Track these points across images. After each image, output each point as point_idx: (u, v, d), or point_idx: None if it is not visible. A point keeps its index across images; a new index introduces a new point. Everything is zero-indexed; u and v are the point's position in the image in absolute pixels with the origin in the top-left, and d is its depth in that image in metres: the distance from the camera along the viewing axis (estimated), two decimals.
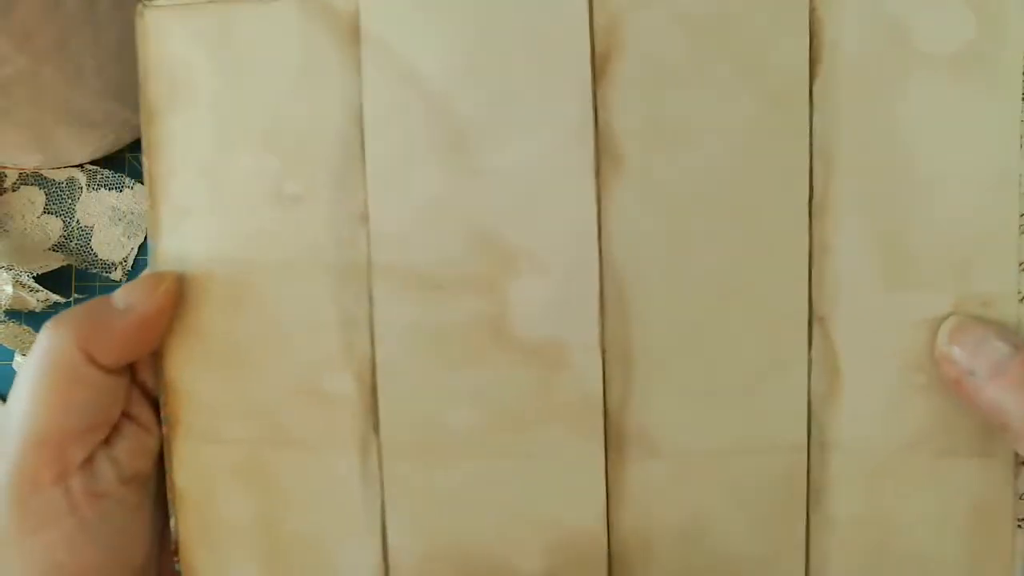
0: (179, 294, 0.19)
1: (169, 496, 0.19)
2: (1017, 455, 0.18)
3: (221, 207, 0.19)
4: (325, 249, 0.18)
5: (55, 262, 0.40)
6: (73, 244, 0.41)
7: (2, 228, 0.41)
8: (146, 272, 0.19)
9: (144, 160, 0.19)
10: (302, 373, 0.19)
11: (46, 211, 0.41)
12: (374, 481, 0.19)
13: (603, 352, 0.18)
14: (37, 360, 0.17)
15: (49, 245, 0.41)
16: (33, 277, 0.38)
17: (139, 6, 0.19)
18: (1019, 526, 0.18)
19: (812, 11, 0.17)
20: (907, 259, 0.18)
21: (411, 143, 0.18)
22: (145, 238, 0.41)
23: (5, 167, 0.41)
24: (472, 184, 0.18)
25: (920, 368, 0.18)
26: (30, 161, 0.39)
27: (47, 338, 0.17)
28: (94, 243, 0.41)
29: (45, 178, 0.41)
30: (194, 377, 0.19)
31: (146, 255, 0.41)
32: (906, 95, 0.18)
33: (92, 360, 0.17)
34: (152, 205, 0.19)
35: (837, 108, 0.18)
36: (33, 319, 0.41)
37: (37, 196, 0.41)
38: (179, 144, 0.19)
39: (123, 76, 0.35)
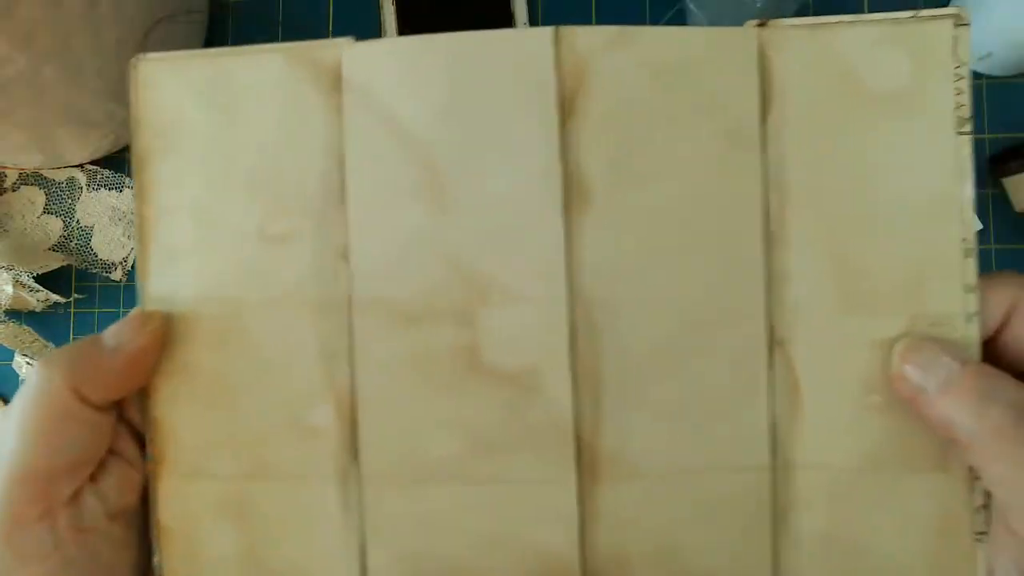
0: (166, 333, 0.19)
1: (153, 532, 0.20)
2: (971, 469, 0.18)
3: (208, 248, 0.19)
4: (308, 286, 0.19)
5: (55, 262, 0.40)
6: (73, 244, 0.41)
7: (2, 228, 0.41)
8: (135, 311, 0.19)
9: (135, 203, 0.20)
10: (285, 407, 0.19)
11: (46, 211, 0.41)
12: (354, 510, 0.19)
13: (574, 379, 0.18)
14: (26, 397, 0.18)
15: (49, 245, 0.41)
16: (33, 277, 0.38)
17: (133, 59, 0.20)
18: (978, 539, 0.19)
19: (762, 54, 0.19)
20: (861, 284, 0.19)
21: (389, 184, 0.19)
22: None
23: (5, 167, 0.41)
24: (447, 221, 0.18)
25: (878, 388, 0.19)
26: (30, 161, 0.39)
27: (37, 375, 0.18)
28: (94, 243, 0.41)
29: (45, 178, 0.41)
30: (179, 414, 0.20)
31: None
32: (852, 130, 0.19)
33: (81, 397, 0.18)
34: (141, 246, 0.20)
35: (789, 143, 0.19)
36: (33, 319, 0.41)
37: (37, 196, 0.41)
38: (168, 188, 0.20)
39: (123, 76, 0.35)
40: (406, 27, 0.39)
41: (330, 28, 0.41)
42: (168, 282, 0.19)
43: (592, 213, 0.18)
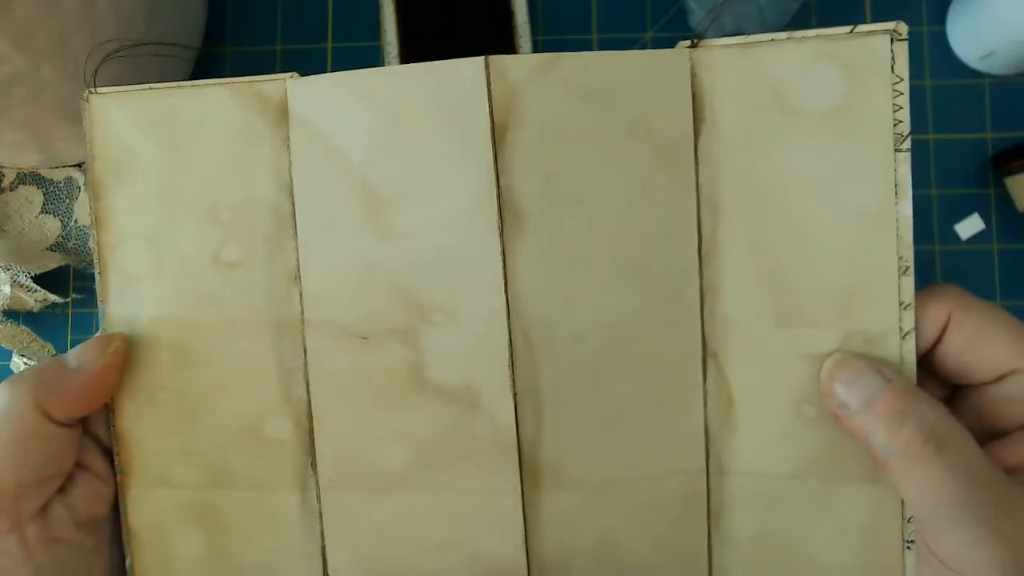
0: (127, 353, 0.20)
1: (124, 537, 0.21)
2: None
3: (165, 273, 0.20)
4: (262, 308, 0.20)
5: (53, 262, 0.40)
6: (71, 244, 0.41)
7: (0, 228, 0.41)
8: (97, 334, 0.20)
9: (92, 231, 0.21)
10: (245, 420, 0.20)
11: (44, 211, 0.41)
12: (314, 514, 0.20)
13: (515, 395, 0.19)
14: None
15: (47, 245, 0.41)
16: (31, 277, 0.38)
17: (85, 93, 0.20)
18: (907, 547, 0.19)
19: (694, 75, 0.19)
20: (794, 299, 0.19)
21: (335, 211, 0.19)
22: None
23: (3, 166, 0.41)
24: (389, 246, 0.19)
25: (809, 400, 0.19)
26: (28, 160, 0.39)
27: (3, 395, 0.19)
28: (92, 243, 0.41)
29: (43, 177, 0.41)
30: (144, 428, 0.20)
31: None
32: (785, 149, 0.19)
33: (46, 415, 0.19)
34: (101, 272, 0.21)
35: (721, 162, 0.19)
36: (31, 319, 0.40)
37: (35, 195, 0.41)
38: (125, 216, 0.20)
39: (122, 76, 0.34)
40: (406, 27, 0.39)
41: (330, 28, 0.40)
42: (128, 305, 0.20)
43: (527, 235, 0.18)
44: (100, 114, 0.20)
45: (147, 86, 0.20)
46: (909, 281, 0.19)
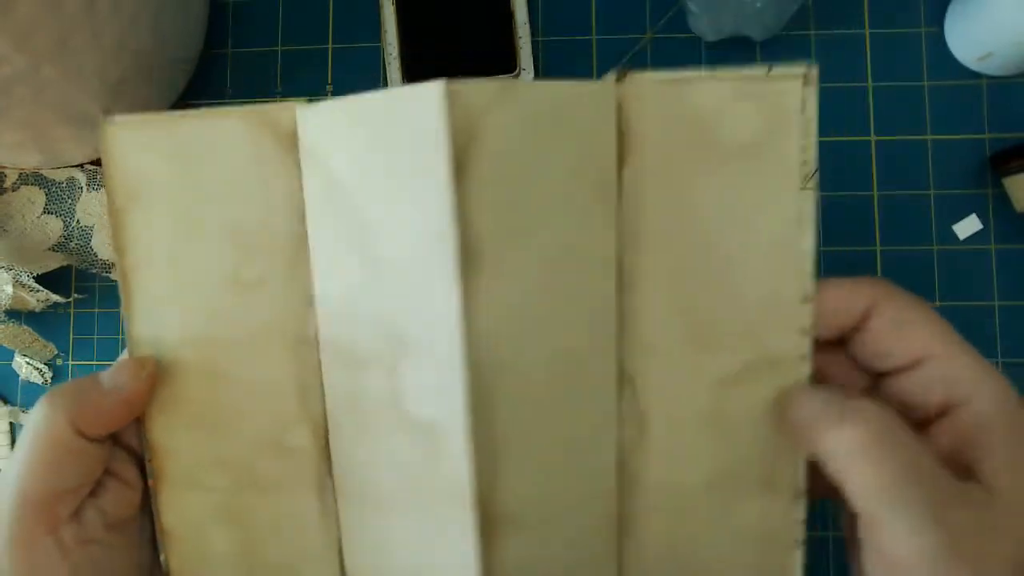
0: (158, 376, 0.22)
1: (159, 537, 0.22)
2: (796, 489, 0.20)
3: (187, 294, 0.21)
4: (281, 326, 0.21)
5: (55, 262, 0.40)
6: (73, 244, 0.41)
7: (2, 228, 0.41)
8: (128, 357, 0.22)
9: (116, 256, 0.21)
10: (268, 430, 0.21)
11: (46, 211, 0.41)
12: (331, 516, 0.21)
13: (472, 441, 0.18)
14: (30, 431, 0.20)
15: (49, 245, 0.41)
16: (33, 277, 0.38)
17: (102, 122, 0.21)
18: (797, 547, 0.21)
19: (620, 108, 0.19)
20: (705, 325, 0.20)
21: (335, 238, 0.20)
22: None
23: (5, 167, 0.41)
24: (374, 275, 0.19)
25: (716, 418, 0.20)
26: (30, 161, 0.39)
27: (40, 412, 0.20)
28: (94, 243, 0.41)
29: (45, 178, 0.41)
30: (174, 438, 0.22)
31: None
32: (704, 181, 0.20)
33: (79, 432, 0.20)
34: (125, 295, 0.21)
35: (644, 192, 0.20)
36: (33, 319, 0.41)
37: (37, 196, 0.41)
38: (144, 241, 0.21)
39: (123, 76, 0.35)
40: (406, 27, 0.39)
41: (330, 29, 0.41)
42: (153, 326, 0.21)
43: (484, 273, 0.18)
44: (116, 142, 0.21)
45: (161, 115, 0.21)
46: (808, 309, 0.20)
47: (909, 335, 0.19)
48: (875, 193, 0.38)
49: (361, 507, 0.21)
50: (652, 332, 0.20)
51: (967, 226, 0.37)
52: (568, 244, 0.19)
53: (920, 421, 0.20)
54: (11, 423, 0.41)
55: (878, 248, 0.37)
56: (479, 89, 0.18)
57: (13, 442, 0.41)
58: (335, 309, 0.20)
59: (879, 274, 0.37)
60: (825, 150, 0.38)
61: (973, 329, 0.37)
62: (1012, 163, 0.35)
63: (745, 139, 0.19)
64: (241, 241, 0.21)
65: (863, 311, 0.20)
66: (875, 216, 0.38)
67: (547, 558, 0.20)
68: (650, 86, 0.19)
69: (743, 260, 0.20)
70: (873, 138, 0.38)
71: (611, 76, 0.19)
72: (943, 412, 0.19)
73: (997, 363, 0.37)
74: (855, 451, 0.18)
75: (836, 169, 0.38)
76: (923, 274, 0.37)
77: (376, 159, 0.19)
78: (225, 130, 0.20)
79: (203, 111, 0.21)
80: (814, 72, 0.19)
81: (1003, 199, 0.37)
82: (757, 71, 0.19)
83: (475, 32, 0.39)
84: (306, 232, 0.20)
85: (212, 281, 0.21)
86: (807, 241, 0.20)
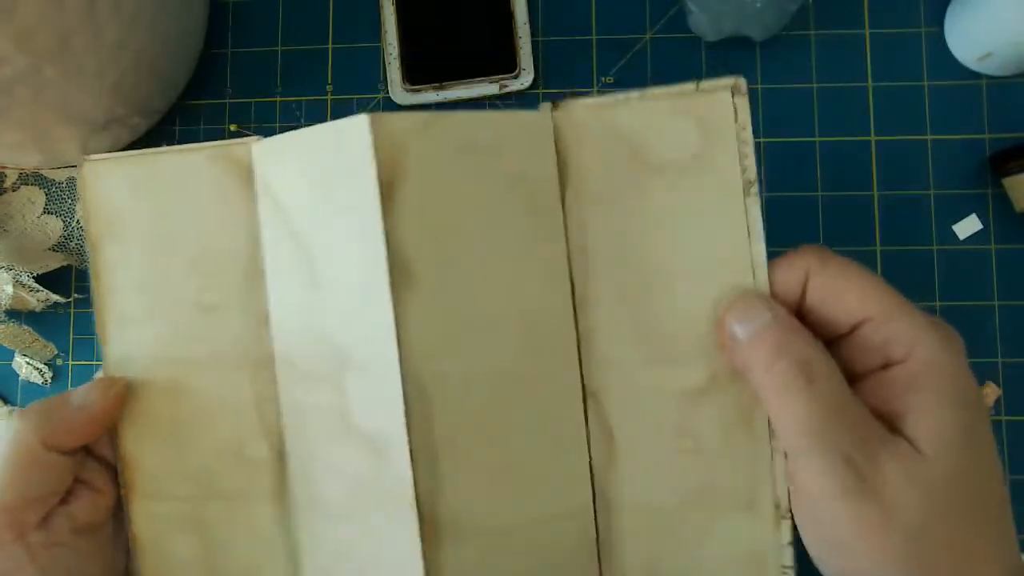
0: (127, 394, 0.23)
1: (131, 544, 0.24)
2: (778, 508, 0.20)
3: (155, 316, 0.23)
4: (239, 346, 0.22)
5: (55, 262, 0.40)
6: (73, 244, 0.41)
7: (2, 228, 0.41)
8: (100, 376, 0.23)
9: (91, 281, 0.23)
10: (227, 443, 0.23)
11: (46, 211, 0.41)
12: (287, 525, 0.22)
13: (412, 449, 0.19)
14: (3, 445, 0.22)
15: (49, 245, 0.41)
16: (33, 277, 0.38)
17: (80, 158, 0.23)
18: (784, 573, 0.20)
19: (558, 134, 0.20)
20: (662, 339, 0.20)
21: (284, 262, 0.21)
22: None
23: (5, 167, 0.41)
24: (317, 296, 0.20)
25: (686, 433, 0.20)
26: (30, 161, 0.39)
27: (13, 428, 0.22)
28: None
29: (45, 178, 0.41)
30: (143, 450, 0.23)
31: None
32: (644, 199, 0.20)
33: (48, 447, 0.22)
34: (99, 317, 0.23)
35: (588, 213, 0.20)
36: (33, 319, 0.41)
37: (37, 196, 0.41)
38: (117, 268, 0.23)
39: (123, 76, 0.35)
40: (406, 27, 0.39)
41: (331, 29, 0.41)
42: (125, 346, 0.23)
43: (418, 291, 0.19)
44: (92, 178, 0.23)
45: (134, 152, 0.23)
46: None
47: (845, 300, 0.19)
48: (875, 193, 0.38)
49: (314, 515, 0.22)
50: (610, 349, 0.21)
51: (967, 226, 0.37)
52: (505, 264, 0.20)
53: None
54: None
55: (878, 248, 0.37)
56: (404, 120, 0.19)
57: None
58: (287, 328, 0.22)
59: (880, 274, 0.37)
60: (825, 150, 0.38)
61: (973, 329, 0.37)
62: (1012, 163, 0.35)
63: (681, 155, 0.20)
64: (203, 268, 0.22)
65: (799, 282, 0.20)
66: (875, 216, 0.38)
67: (508, 571, 0.20)
68: (585, 112, 0.20)
69: (694, 273, 0.20)
70: (873, 138, 0.38)
71: (547, 105, 0.20)
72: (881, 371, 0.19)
73: (997, 363, 0.37)
74: (786, 385, 0.18)
75: (836, 169, 0.38)
76: (923, 274, 0.37)
77: (315, 189, 0.20)
78: (190, 165, 0.22)
79: (172, 148, 0.22)
80: (742, 83, 0.19)
81: (1003, 199, 0.37)
82: (686, 87, 0.20)
83: (475, 32, 0.39)
84: (261, 257, 0.22)
85: (178, 305, 0.22)
86: (757, 248, 0.20)
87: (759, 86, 0.38)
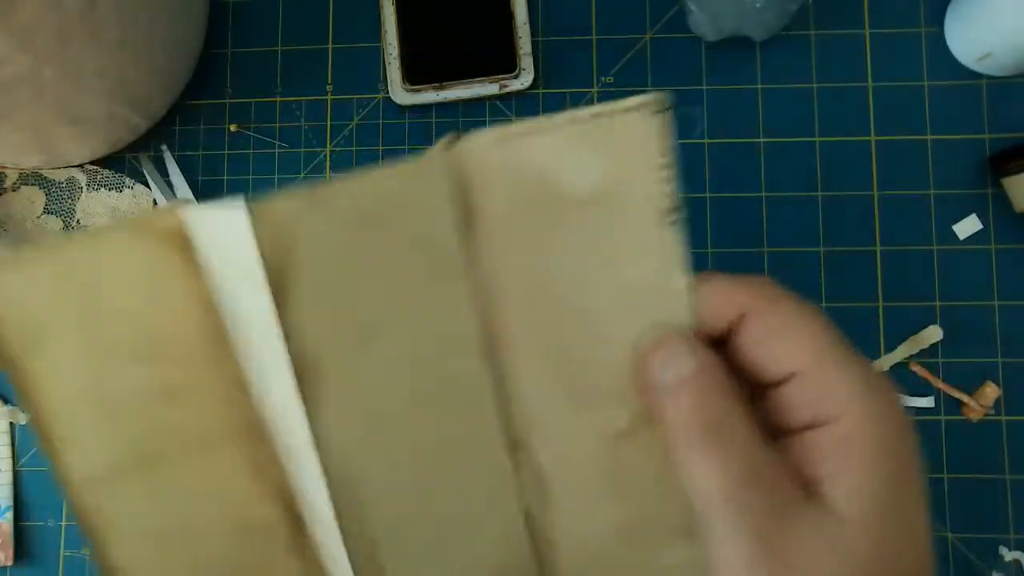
0: (107, 508, 0.20)
1: None
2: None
3: (112, 424, 0.20)
4: (218, 419, 0.20)
5: None
6: None
7: (2, 228, 0.41)
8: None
9: (23, 406, 0.19)
10: (235, 522, 0.20)
11: (46, 211, 0.41)
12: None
13: (347, 545, 0.19)
14: None
15: None
16: None
17: None
18: None
19: (461, 174, 0.18)
20: (585, 379, 0.19)
21: (235, 322, 0.19)
22: None
23: (5, 167, 0.41)
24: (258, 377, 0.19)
25: (615, 473, 0.20)
26: (30, 161, 0.39)
27: None
28: None
29: (45, 178, 0.41)
30: (138, 558, 0.20)
31: None
32: (553, 236, 0.18)
33: None
34: (46, 446, 0.19)
35: (498, 255, 0.19)
36: None
37: (37, 196, 0.41)
38: (52, 385, 0.19)
39: (123, 76, 0.35)
40: (406, 27, 0.39)
41: (330, 29, 0.41)
42: (87, 467, 0.20)
43: (329, 383, 0.18)
44: None
45: (39, 247, 0.19)
46: None
47: (780, 347, 0.18)
48: (875, 193, 0.38)
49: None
50: (532, 395, 0.20)
51: (967, 226, 0.37)
52: (414, 336, 0.19)
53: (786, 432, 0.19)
54: (11, 423, 0.41)
55: (878, 248, 0.37)
56: (287, 202, 0.17)
57: (12, 442, 0.41)
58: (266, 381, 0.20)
59: (879, 274, 0.37)
60: (825, 150, 0.38)
61: (973, 329, 0.37)
62: (1012, 163, 0.35)
63: (590, 186, 0.18)
64: (154, 352, 0.19)
65: (736, 316, 0.18)
66: (875, 216, 0.38)
67: None
68: (486, 146, 0.18)
69: (609, 311, 0.19)
70: (873, 138, 0.38)
71: (441, 144, 0.18)
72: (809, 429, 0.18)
73: (997, 363, 0.37)
74: (697, 450, 0.17)
75: (836, 169, 0.38)
76: (923, 274, 0.37)
77: (222, 271, 0.18)
78: (111, 247, 0.19)
79: (82, 233, 0.20)
80: (655, 99, 0.17)
81: (1003, 199, 0.37)
82: (591, 110, 0.18)
83: (475, 32, 0.39)
84: (222, 318, 0.19)
85: (135, 402, 0.20)
86: (678, 280, 0.18)
87: (759, 86, 0.38)
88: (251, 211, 0.17)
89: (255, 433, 0.20)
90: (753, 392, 0.19)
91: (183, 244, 0.19)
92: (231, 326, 0.19)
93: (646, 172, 0.18)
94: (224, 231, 0.18)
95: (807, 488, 0.17)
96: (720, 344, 0.19)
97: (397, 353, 0.19)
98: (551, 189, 0.18)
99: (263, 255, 0.17)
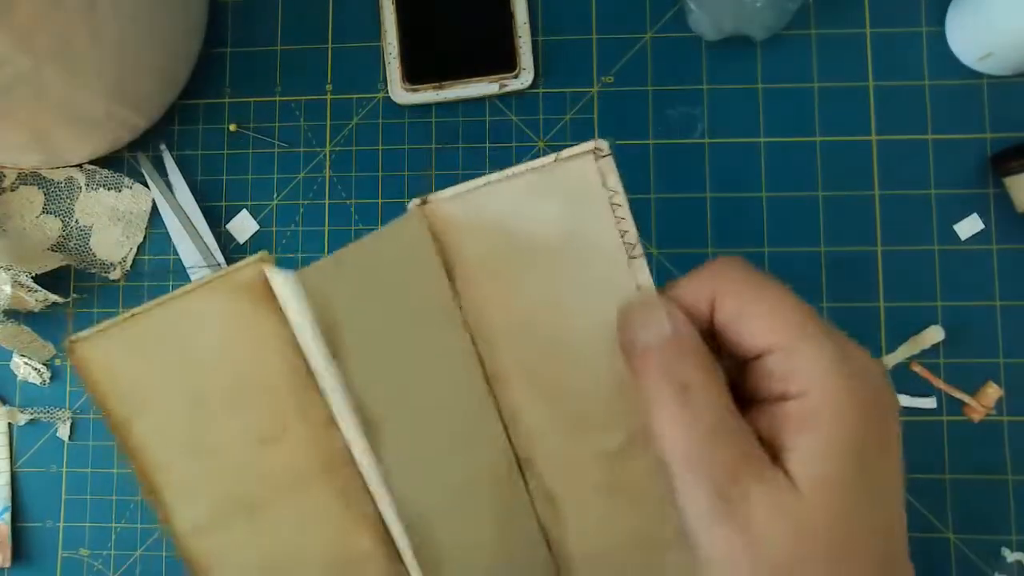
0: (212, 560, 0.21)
1: None
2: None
3: (213, 474, 0.21)
4: (310, 459, 0.21)
5: (54, 262, 0.40)
6: (72, 244, 0.41)
7: (1, 228, 0.41)
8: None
9: (129, 462, 0.20)
10: (332, 558, 0.21)
11: (45, 211, 0.41)
12: None
13: (423, 569, 0.20)
14: None
15: (48, 245, 0.41)
16: (32, 277, 0.38)
17: (67, 342, 0.20)
18: None
19: (435, 231, 0.20)
20: (573, 409, 0.20)
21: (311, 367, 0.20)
22: (144, 238, 0.41)
23: (4, 167, 0.41)
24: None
25: (616, 489, 0.21)
26: (29, 161, 0.39)
27: None
28: (93, 243, 0.41)
29: (44, 178, 0.41)
30: None
31: (145, 255, 0.41)
32: (526, 278, 0.20)
33: None
34: (155, 499, 0.20)
35: (477, 301, 0.20)
36: (32, 319, 0.41)
37: (36, 196, 0.41)
38: (155, 442, 0.20)
39: (123, 76, 0.34)
40: (406, 27, 0.39)
41: (330, 29, 0.41)
42: (192, 518, 0.21)
43: (387, 437, 0.19)
44: (88, 356, 0.20)
45: (122, 317, 0.20)
46: None
47: (754, 324, 0.18)
48: (876, 193, 0.38)
49: None
50: (531, 421, 0.21)
51: (968, 226, 0.37)
52: (436, 381, 0.20)
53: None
54: (9, 423, 0.41)
55: (879, 248, 0.37)
56: (320, 267, 0.18)
57: (11, 443, 0.41)
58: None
59: (880, 274, 0.37)
60: (825, 150, 0.38)
61: (974, 329, 0.37)
62: (1013, 163, 0.35)
63: (554, 229, 0.19)
64: (247, 402, 0.20)
65: (707, 304, 0.19)
66: (876, 216, 0.37)
67: None
68: (451, 205, 0.20)
69: (589, 343, 0.20)
70: (874, 138, 0.38)
71: (416, 202, 0.20)
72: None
73: (999, 364, 0.37)
74: (665, 410, 0.18)
75: (836, 169, 0.38)
76: (924, 274, 0.37)
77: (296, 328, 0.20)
78: (195, 307, 0.20)
79: (164, 299, 0.20)
80: (604, 144, 0.19)
81: (1004, 199, 0.37)
82: (546, 159, 0.19)
83: (475, 32, 0.39)
84: (305, 363, 0.20)
85: (233, 452, 0.21)
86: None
87: (759, 86, 0.38)
88: (301, 278, 0.18)
89: (343, 469, 0.21)
90: (739, 367, 0.20)
91: (264, 294, 0.20)
92: (310, 368, 0.20)
93: (604, 212, 0.19)
94: (283, 291, 0.19)
95: (774, 458, 0.18)
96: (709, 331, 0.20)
97: (428, 400, 0.20)
98: (517, 236, 0.20)
99: (316, 318, 0.18)
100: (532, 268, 0.20)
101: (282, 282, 0.18)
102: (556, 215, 0.19)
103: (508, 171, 0.19)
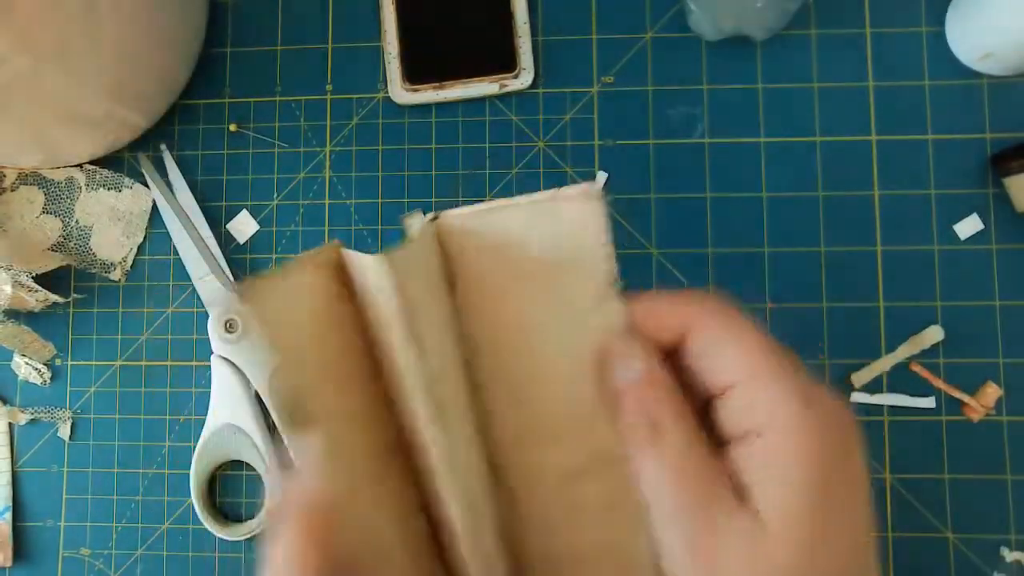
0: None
1: None
2: None
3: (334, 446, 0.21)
4: (385, 434, 0.22)
5: (54, 262, 0.40)
6: (72, 244, 0.41)
7: (1, 228, 0.41)
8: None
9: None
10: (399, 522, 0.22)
11: (45, 211, 0.41)
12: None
13: (473, 551, 0.21)
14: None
15: (48, 245, 0.41)
16: (32, 277, 0.38)
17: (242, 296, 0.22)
18: None
19: (442, 243, 0.21)
20: (538, 422, 0.22)
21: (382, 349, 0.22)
22: (144, 238, 0.41)
23: (4, 167, 0.41)
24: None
25: (578, 504, 0.22)
26: (29, 161, 0.39)
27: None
28: (93, 243, 0.41)
29: (44, 178, 0.41)
30: None
31: (145, 255, 0.41)
32: (515, 294, 0.21)
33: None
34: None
35: (470, 308, 0.22)
36: (32, 319, 0.41)
37: (36, 196, 0.41)
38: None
39: (123, 76, 0.34)
40: (406, 27, 0.39)
41: (330, 29, 0.41)
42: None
43: (447, 421, 0.20)
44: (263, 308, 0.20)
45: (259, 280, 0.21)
46: None
47: (719, 360, 0.19)
48: (875, 193, 0.38)
49: None
50: (501, 427, 0.22)
51: (968, 226, 0.37)
52: (454, 378, 0.21)
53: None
54: (9, 423, 0.41)
55: (878, 248, 0.37)
56: (398, 258, 0.19)
57: (11, 442, 0.41)
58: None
59: (880, 274, 0.37)
60: (826, 150, 0.38)
61: (974, 329, 0.37)
62: (1013, 163, 0.35)
63: (547, 255, 0.21)
64: (342, 378, 0.21)
65: (679, 333, 0.20)
66: (876, 216, 0.37)
67: None
68: (459, 220, 0.21)
69: (563, 363, 0.21)
70: (874, 138, 0.38)
71: (429, 217, 0.21)
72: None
73: (998, 363, 0.37)
74: (637, 446, 0.19)
75: (836, 169, 0.38)
76: (923, 274, 0.37)
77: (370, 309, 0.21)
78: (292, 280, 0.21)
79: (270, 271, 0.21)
80: (594, 188, 0.20)
81: (1004, 199, 0.37)
82: (545, 195, 0.20)
83: (475, 32, 0.39)
84: (364, 344, 0.21)
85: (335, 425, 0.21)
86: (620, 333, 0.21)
87: (759, 86, 0.38)
88: (386, 263, 0.19)
89: (408, 451, 0.22)
90: (706, 403, 0.20)
91: (335, 276, 0.21)
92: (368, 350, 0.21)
93: (593, 246, 0.20)
94: (373, 273, 0.20)
95: (740, 496, 0.18)
96: (670, 356, 0.20)
97: (453, 389, 0.21)
98: (514, 256, 0.21)
99: (402, 304, 0.19)
100: (521, 286, 0.21)
101: (373, 263, 0.19)
102: (549, 243, 0.21)
103: (515, 199, 0.21)
